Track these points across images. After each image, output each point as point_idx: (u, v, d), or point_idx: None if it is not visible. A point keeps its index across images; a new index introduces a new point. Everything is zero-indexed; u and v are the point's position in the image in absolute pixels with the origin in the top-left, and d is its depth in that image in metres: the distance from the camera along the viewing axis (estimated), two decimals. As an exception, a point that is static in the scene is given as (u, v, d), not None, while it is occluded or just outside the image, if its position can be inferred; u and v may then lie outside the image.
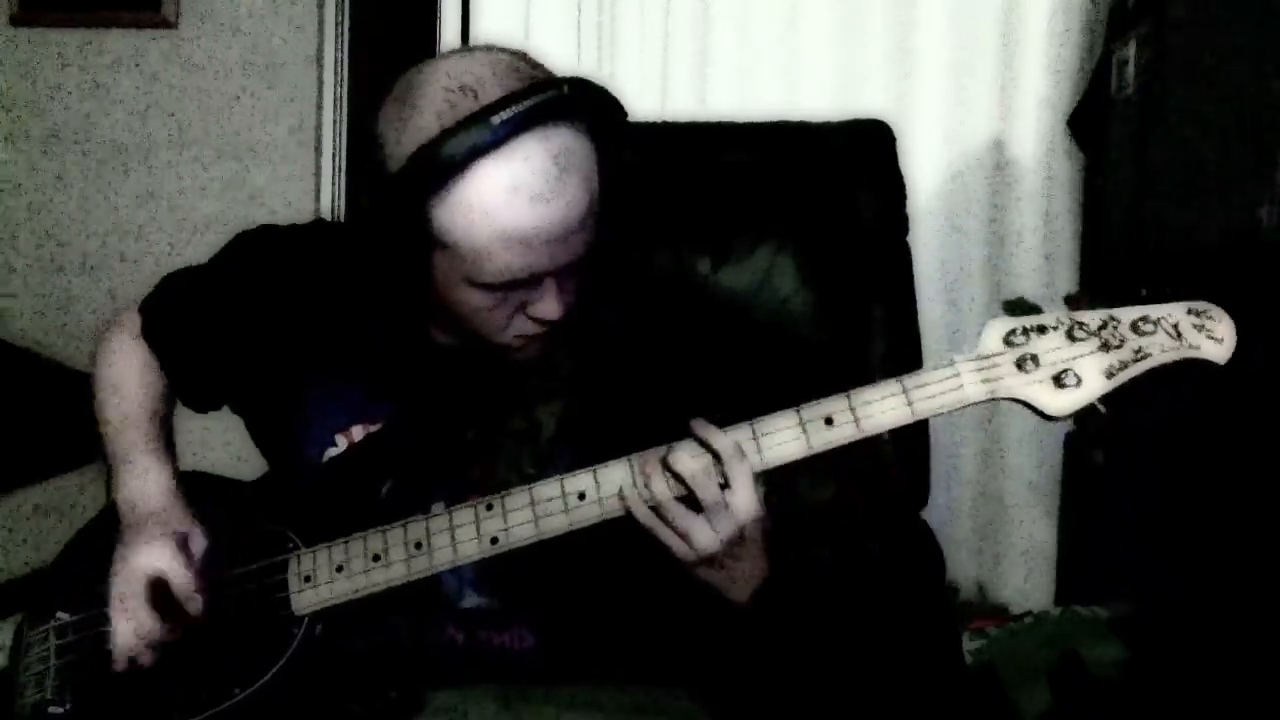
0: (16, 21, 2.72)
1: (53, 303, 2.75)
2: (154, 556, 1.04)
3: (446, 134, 0.96)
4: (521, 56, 1.04)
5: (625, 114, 1.04)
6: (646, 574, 1.12)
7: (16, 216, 2.76)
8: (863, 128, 1.62)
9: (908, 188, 1.61)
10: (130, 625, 1.04)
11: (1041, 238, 2.36)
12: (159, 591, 1.04)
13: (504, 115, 0.95)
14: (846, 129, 1.62)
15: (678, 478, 0.96)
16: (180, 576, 1.04)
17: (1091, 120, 2.22)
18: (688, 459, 0.96)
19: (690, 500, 0.97)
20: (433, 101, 0.99)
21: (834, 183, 1.58)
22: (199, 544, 1.07)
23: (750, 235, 1.54)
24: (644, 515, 0.98)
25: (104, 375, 1.24)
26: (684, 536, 0.97)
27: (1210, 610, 1.54)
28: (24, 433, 2.43)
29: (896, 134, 1.61)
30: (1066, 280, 2.36)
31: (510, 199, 0.97)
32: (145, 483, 1.13)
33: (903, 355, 1.55)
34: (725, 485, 0.96)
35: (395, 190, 0.98)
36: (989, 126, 2.39)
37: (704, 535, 0.97)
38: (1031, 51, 2.36)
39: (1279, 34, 1.50)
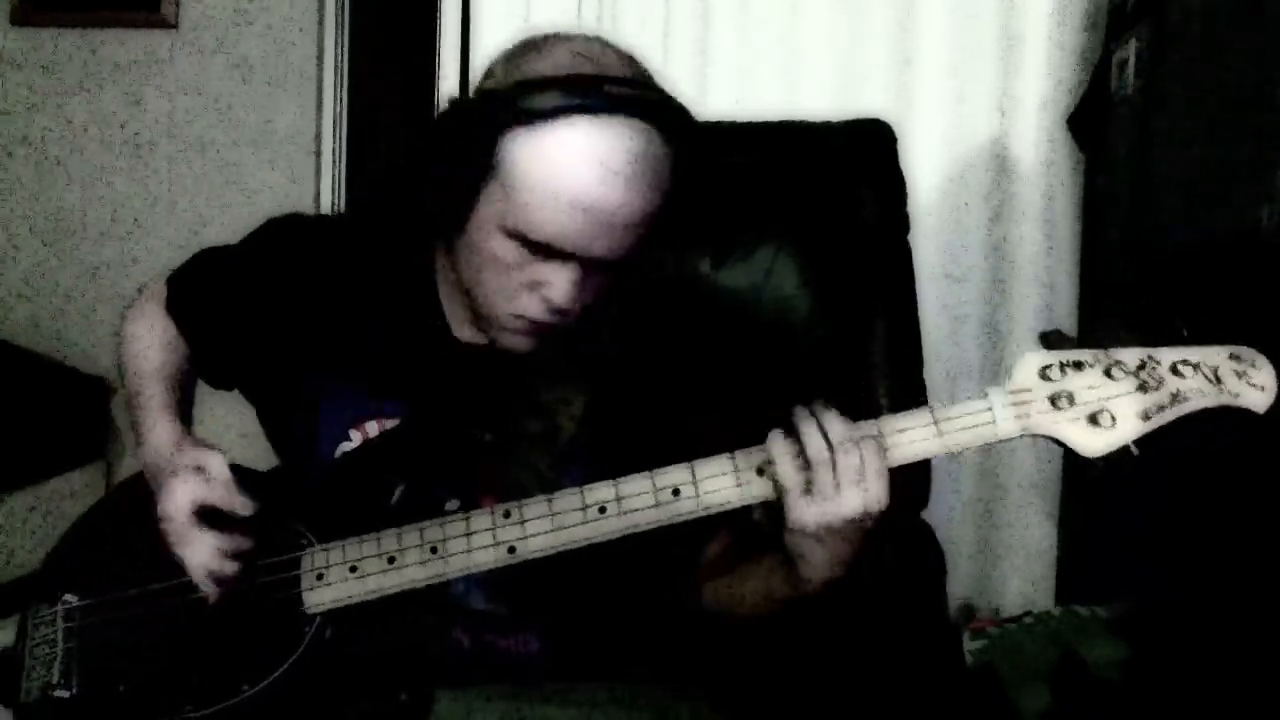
0: (16, 21, 2.72)
1: (53, 302, 2.75)
2: (185, 489, 1.04)
3: (560, 79, 0.99)
4: (643, 64, 1.07)
5: (706, 169, 1.06)
6: (652, 580, 1.13)
7: (16, 215, 2.76)
8: (863, 127, 1.62)
9: (908, 187, 1.61)
10: (199, 553, 1.03)
11: (1041, 238, 2.36)
12: (208, 516, 1.03)
13: (618, 90, 0.99)
14: (847, 129, 1.62)
15: (831, 446, 0.94)
16: (217, 491, 1.04)
17: (1091, 120, 2.22)
18: (842, 430, 0.94)
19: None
20: (556, 56, 1.02)
21: (834, 182, 1.58)
22: (219, 464, 1.06)
23: (751, 235, 1.54)
24: (785, 468, 0.95)
25: (128, 340, 1.26)
26: (818, 501, 0.94)
27: (1211, 610, 1.54)
28: (24, 433, 2.44)
29: (897, 134, 1.61)
30: (1066, 280, 2.36)
31: (584, 160, 0.98)
32: (159, 436, 1.13)
33: (903, 355, 1.55)
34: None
35: (486, 104, 1.01)
36: (989, 126, 2.39)
37: (852, 501, 0.94)
38: (1031, 51, 2.36)
39: (1279, 34, 1.50)
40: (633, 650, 1.13)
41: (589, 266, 1.04)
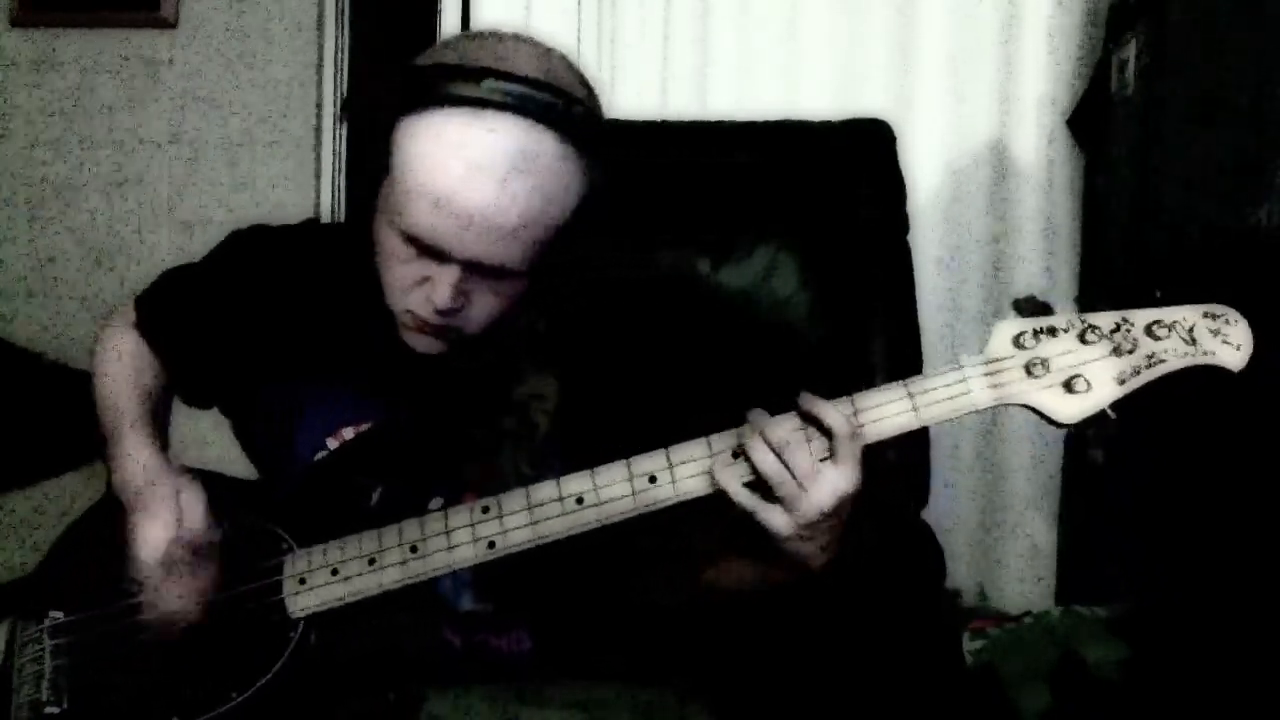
0: (16, 22, 2.72)
1: (52, 302, 2.75)
2: (161, 523, 1.03)
3: (451, 68, 0.97)
4: (583, 78, 1.04)
5: (606, 200, 1.03)
6: (642, 577, 1.12)
7: (16, 215, 2.76)
8: (863, 127, 1.62)
9: (908, 187, 1.61)
10: (171, 594, 1.02)
11: (1041, 237, 2.36)
12: (182, 551, 1.02)
13: (504, 85, 0.95)
14: (846, 128, 1.62)
15: (779, 454, 0.92)
16: (193, 529, 1.02)
17: (1091, 120, 2.22)
18: (786, 432, 0.93)
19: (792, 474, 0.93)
20: (476, 46, 1.00)
21: (834, 182, 1.58)
22: (197, 497, 1.05)
23: (750, 235, 1.54)
24: (739, 493, 0.94)
25: (100, 364, 1.24)
26: (789, 508, 0.93)
27: (1211, 610, 1.54)
28: (24, 433, 2.43)
29: (896, 134, 1.61)
30: (1067, 280, 2.36)
31: (452, 154, 0.95)
32: (134, 462, 1.11)
33: (903, 355, 1.55)
34: (827, 458, 0.93)
35: (382, 89, 1.00)
36: (989, 126, 2.39)
37: (806, 507, 0.92)
38: (1031, 51, 2.36)
39: (1279, 34, 1.50)
40: (625, 648, 1.13)
41: (474, 271, 1.00)
